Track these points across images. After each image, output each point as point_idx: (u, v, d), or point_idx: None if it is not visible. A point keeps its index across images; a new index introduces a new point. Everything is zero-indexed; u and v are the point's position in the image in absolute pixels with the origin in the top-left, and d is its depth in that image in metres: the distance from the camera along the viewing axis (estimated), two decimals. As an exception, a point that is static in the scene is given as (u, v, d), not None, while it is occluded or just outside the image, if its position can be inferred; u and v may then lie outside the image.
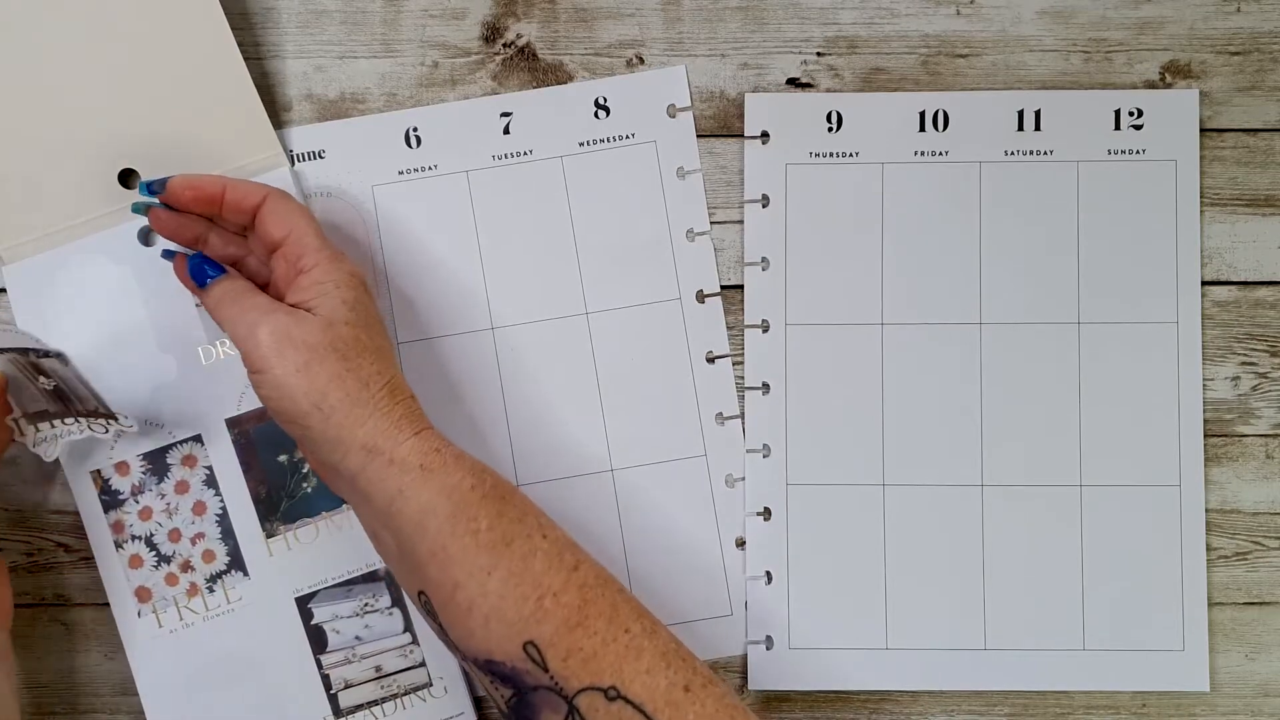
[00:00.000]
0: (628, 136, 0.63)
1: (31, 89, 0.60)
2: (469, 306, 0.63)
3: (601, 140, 0.63)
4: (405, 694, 0.61)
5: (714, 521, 0.63)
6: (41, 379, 0.57)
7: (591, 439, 0.63)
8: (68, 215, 0.60)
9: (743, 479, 0.63)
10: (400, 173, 0.63)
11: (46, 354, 0.59)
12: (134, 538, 0.61)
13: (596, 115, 0.63)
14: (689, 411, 0.63)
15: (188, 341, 0.61)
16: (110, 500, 0.61)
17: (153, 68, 0.60)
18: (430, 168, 0.63)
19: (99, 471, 0.61)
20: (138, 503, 0.61)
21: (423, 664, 0.61)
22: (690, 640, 0.62)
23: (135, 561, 0.61)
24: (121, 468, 0.61)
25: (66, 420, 0.56)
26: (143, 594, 0.61)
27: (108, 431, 0.57)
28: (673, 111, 0.63)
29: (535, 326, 0.63)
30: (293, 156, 0.62)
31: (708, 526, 0.63)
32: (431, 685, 0.61)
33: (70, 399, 0.57)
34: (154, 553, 0.61)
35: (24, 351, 0.58)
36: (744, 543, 0.63)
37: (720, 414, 0.63)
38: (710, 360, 0.63)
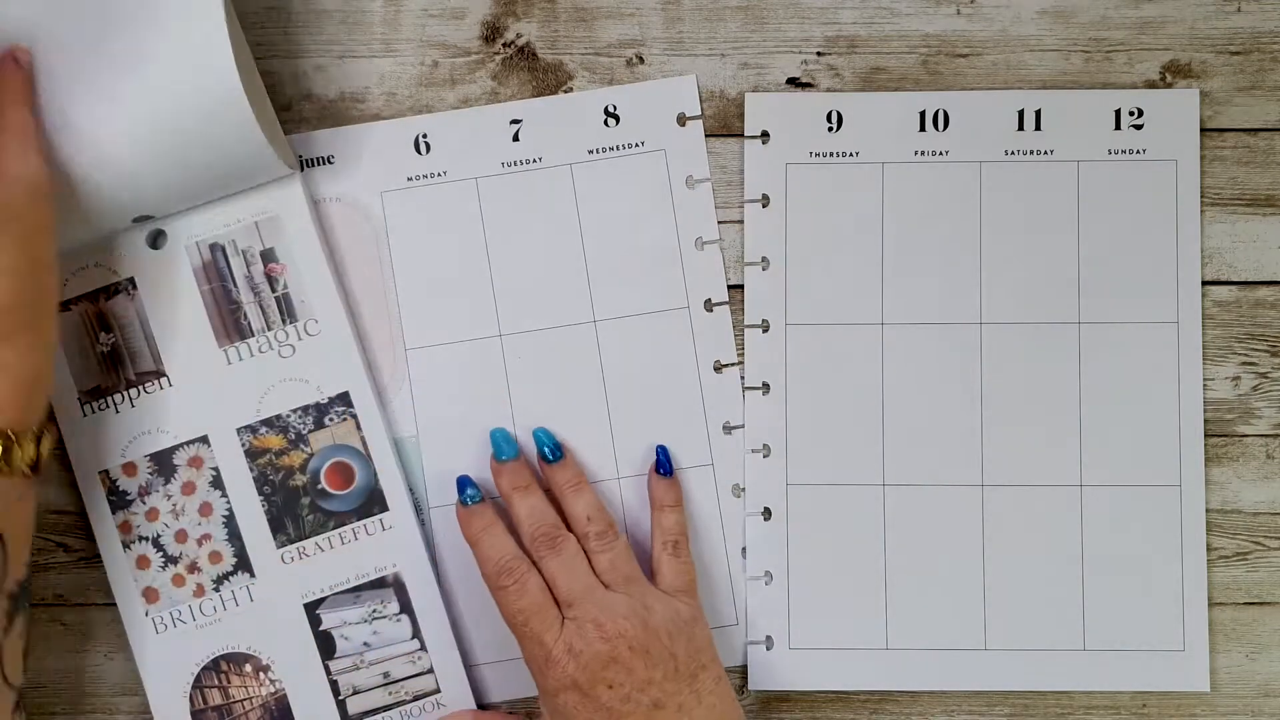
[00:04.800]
0: (637, 145, 0.63)
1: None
2: (477, 313, 0.62)
3: (611, 148, 0.63)
4: (413, 700, 0.61)
5: (720, 530, 0.63)
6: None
7: (598, 447, 0.62)
8: (78, 240, 0.59)
9: (747, 490, 0.63)
10: (409, 179, 0.63)
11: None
12: (141, 538, 0.61)
13: (606, 123, 0.63)
14: (696, 420, 0.63)
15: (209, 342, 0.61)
16: (118, 501, 0.61)
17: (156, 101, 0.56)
18: (439, 174, 0.63)
19: (107, 472, 0.61)
20: (145, 504, 0.61)
21: (430, 671, 0.61)
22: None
23: (143, 562, 0.61)
24: (129, 468, 0.61)
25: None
26: (150, 594, 0.61)
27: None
28: (682, 120, 0.63)
29: (543, 334, 0.63)
30: (302, 162, 0.62)
31: (714, 535, 0.63)
32: (440, 692, 0.61)
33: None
34: (161, 554, 0.61)
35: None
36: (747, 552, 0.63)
37: (727, 423, 0.63)
38: (718, 369, 0.63)
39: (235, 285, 0.61)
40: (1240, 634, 0.63)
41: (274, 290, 0.61)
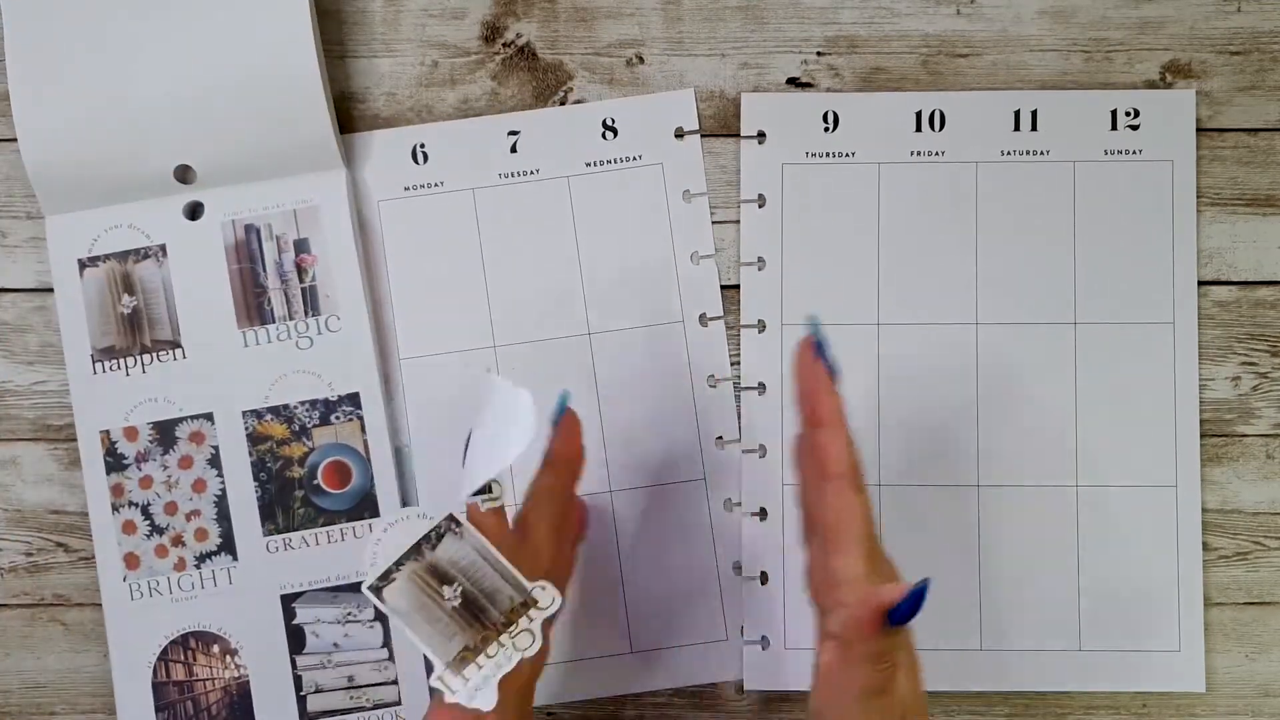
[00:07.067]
0: (635, 158, 0.63)
1: (115, 59, 0.60)
2: (472, 324, 0.63)
3: (608, 161, 0.63)
4: (373, 709, 0.61)
5: (711, 545, 0.63)
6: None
7: (590, 460, 0.62)
8: (119, 188, 0.61)
9: (739, 505, 0.62)
10: (406, 189, 0.63)
11: (439, 534, 0.49)
12: (131, 504, 0.61)
13: (604, 136, 0.63)
14: (689, 434, 0.63)
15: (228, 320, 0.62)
16: (114, 463, 0.61)
17: (229, 59, 0.60)
18: (437, 184, 0.63)
19: (108, 433, 0.61)
20: (140, 470, 0.61)
21: (395, 682, 0.61)
22: (685, 664, 0.62)
23: (129, 527, 0.61)
24: (130, 433, 0.61)
25: (490, 652, 0.48)
26: (131, 560, 0.61)
27: (533, 640, 0.48)
28: (680, 134, 0.63)
29: (537, 346, 0.63)
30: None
31: (705, 550, 0.63)
32: (400, 705, 0.61)
33: (481, 604, 0.49)
34: (148, 522, 0.61)
35: (417, 550, 0.48)
36: (741, 568, 0.62)
37: (720, 438, 0.62)
38: (711, 384, 0.63)
39: (264, 269, 0.61)
40: (1240, 634, 0.62)
41: (301, 281, 0.61)
